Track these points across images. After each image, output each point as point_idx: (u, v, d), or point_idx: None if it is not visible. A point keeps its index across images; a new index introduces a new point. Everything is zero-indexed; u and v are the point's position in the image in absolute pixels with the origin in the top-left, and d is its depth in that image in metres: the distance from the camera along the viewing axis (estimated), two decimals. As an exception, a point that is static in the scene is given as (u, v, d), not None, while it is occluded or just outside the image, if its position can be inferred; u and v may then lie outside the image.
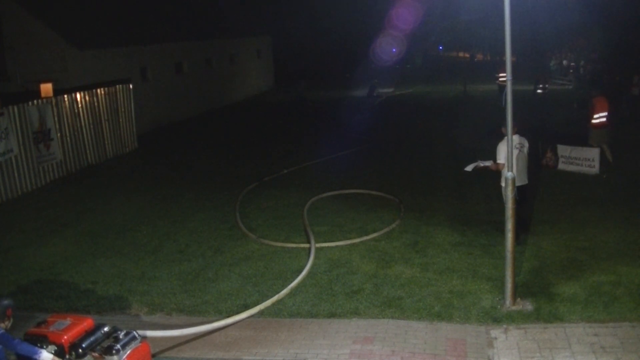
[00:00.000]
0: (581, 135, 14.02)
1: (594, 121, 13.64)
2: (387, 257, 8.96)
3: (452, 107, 25.78)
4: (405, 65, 46.26)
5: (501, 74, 26.58)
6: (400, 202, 11.51)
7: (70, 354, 5.22)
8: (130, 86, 18.82)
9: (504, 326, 6.83)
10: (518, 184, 8.80)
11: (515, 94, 7.28)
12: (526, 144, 9.25)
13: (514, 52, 7.12)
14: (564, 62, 35.39)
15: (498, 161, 9.07)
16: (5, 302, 5.19)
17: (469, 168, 9.54)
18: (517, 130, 9.01)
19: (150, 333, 6.58)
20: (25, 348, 5.07)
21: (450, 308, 7.28)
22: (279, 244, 9.68)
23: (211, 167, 15.90)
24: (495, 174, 9.48)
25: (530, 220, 10.24)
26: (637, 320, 6.75)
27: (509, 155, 7.36)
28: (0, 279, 8.85)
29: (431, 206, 11.41)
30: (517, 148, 8.95)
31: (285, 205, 11.84)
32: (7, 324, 5.18)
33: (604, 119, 13.65)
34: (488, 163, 9.37)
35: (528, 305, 7.20)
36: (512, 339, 6.55)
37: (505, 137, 9.06)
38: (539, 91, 26.42)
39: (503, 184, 9.29)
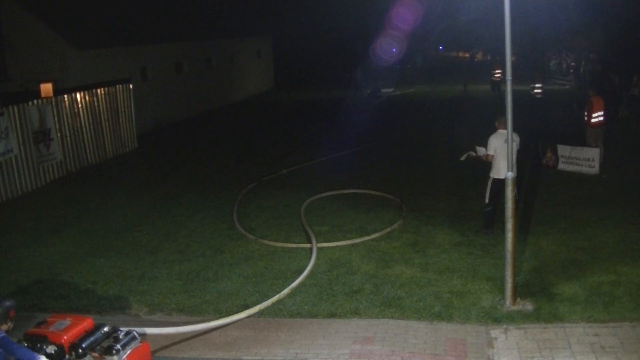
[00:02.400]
0: (581, 135, 14.03)
1: (593, 120, 13.66)
2: (387, 257, 8.95)
3: (452, 107, 25.77)
4: (405, 65, 46.24)
5: (496, 71, 26.84)
6: (402, 202, 11.51)
7: (70, 354, 5.21)
8: (130, 86, 18.81)
9: (504, 326, 6.83)
10: (503, 176, 9.09)
11: (514, 93, 7.31)
12: (517, 139, 9.33)
13: (513, 52, 7.15)
14: (563, 62, 35.38)
15: (487, 152, 9.45)
16: (8, 303, 5.13)
17: (462, 157, 9.80)
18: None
19: (149, 330, 6.59)
20: (24, 353, 5.01)
21: (450, 308, 7.28)
22: (279, 244, 9.68)
23: (211, 167, 15.90)
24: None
25: (530, 220, 10.25)
26: (637, 320, 6.75)
27: (509, 154, 7.41)
28: (0, 279, 8.85)
29: (431, 206, 11.41)
30: (507, 142, 9.07)
31: (285, 205, 11.84)
32: (10, 325, 5.13)
33: (602, 118, 13.69)
34: (481, 152, 9.56)
35: (528, 305, 7.20)
36: (512, 339, 6.55)
37: (497, 131, 9.34)
38: (536, 91, 26.38)
39: (492, 175, 9.47)
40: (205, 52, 28.84)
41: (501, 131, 9.29)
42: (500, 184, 9.27)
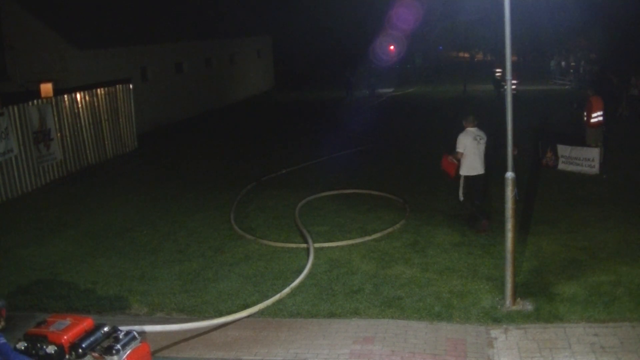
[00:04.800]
0: (581, 135, 14.03)
1: (592, 120, 13.66)
2: (387, 257, 8.95)
3: (452, 107, 25.76)
4: (405, 65, 46.26)
5: (497, 69, 27.10)
6: (405, 203, 11.50)
7: (70, 354, 5.20)
8: (130, 86, 18.82)
9: (504, 326, 6.83)
10: (474, 173, 9.64)
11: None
12: (484, 137, 9.68)
13: (514, 52, 7.16)
14: (563, 62, 35.40)
15: (457, 150, 9.64)
16: (0, 302, 5.14)
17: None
18: (477, 124, 9.72)
19: (148, 328, 6.59)
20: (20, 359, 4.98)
21: (450, 308, 7.28)
22: (279, 244, 9.67)
23: (211, 167, 15.90)
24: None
25: (530, 220, 10.25)
26: (637, 320, 6.75)
27: (508, 154, 7.41)
28: (0, 279, 8.84)
29: (431, 206, 11.41)
30: (476, 140, 9.56)
31: (285, 205, 11.83)
32: (2, 324, 5.14)
33: (601, 118, 13.69)
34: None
35: (528, 305, 7.20)
36: (512, 339, 6.55)
37: (466, 129, 9.65)
38: (512, 87, 26.97)
39: (462, 173, 9.76)
40: (205, 52, 28.85)
41: (469, 129, 9.64)
42: (471, 180, 9.68)
